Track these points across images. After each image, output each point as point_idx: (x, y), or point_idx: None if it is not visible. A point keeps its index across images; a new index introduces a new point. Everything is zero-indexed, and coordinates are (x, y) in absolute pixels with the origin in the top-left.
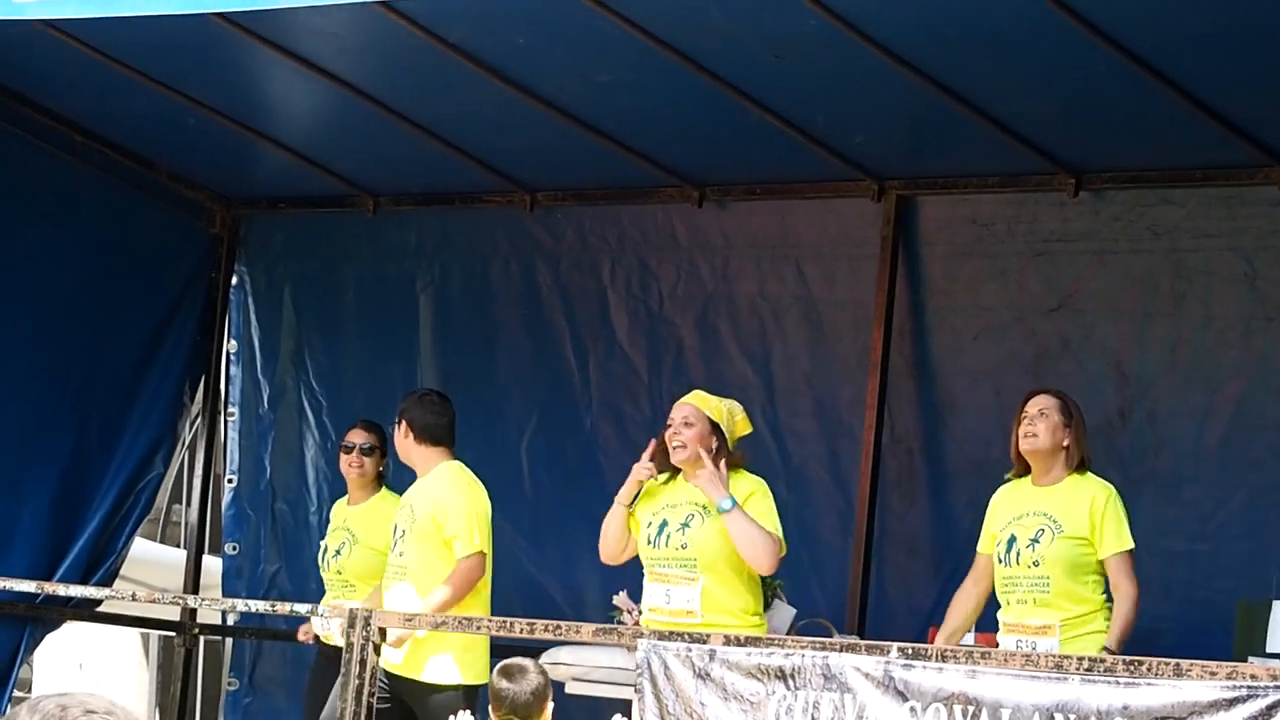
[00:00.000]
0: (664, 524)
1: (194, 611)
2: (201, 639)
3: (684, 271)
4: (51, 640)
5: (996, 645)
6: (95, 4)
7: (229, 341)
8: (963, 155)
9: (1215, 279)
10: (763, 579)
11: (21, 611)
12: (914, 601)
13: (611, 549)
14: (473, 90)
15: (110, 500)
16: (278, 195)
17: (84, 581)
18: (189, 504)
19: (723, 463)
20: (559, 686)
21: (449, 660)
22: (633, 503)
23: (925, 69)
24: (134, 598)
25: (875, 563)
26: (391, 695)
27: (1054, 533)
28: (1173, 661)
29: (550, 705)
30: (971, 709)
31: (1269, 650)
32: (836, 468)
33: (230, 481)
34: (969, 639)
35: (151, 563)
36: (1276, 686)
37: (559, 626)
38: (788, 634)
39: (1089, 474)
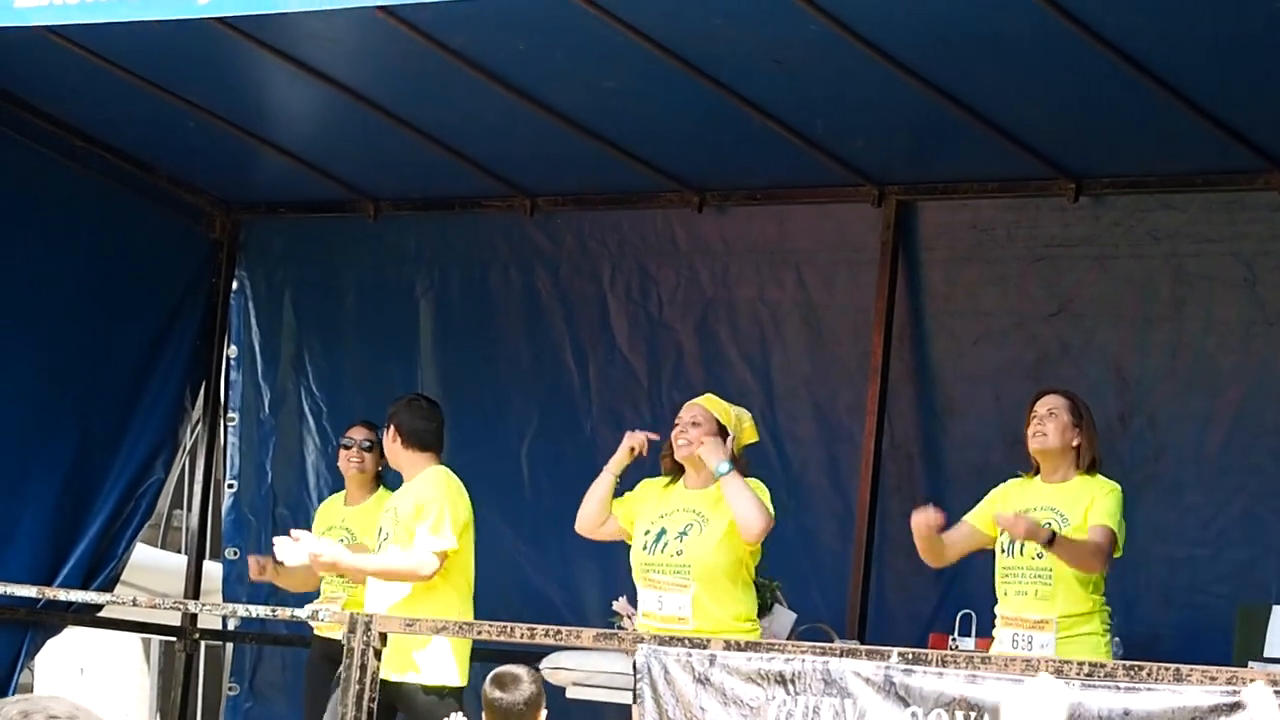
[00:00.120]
0: (662, 532)
1: (195, 617)
2: (202, 644)
3: (684, 277)
4: (52, 645)
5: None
6: (96, 10)
7: (229, 346)
8: (963, 160)
9: (1216, 284)
10: (762, 584)
11: (22, 616)
12: (914, 607)
13: (590, 517)
14: (473, 95)
15: (111, 506)
16: (278, 200)
17: (85, 587)
18: (190, 509)
19: (730, 439)
20: (560, 691)
21: (432, 660)
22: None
23: (925, 74)
24: (135, 603)
25: (875, 568)
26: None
27: (1060, 526)
28: (1173, 667)
29: (544, 713)
30: (973, 714)
31: (1269, 655)
32: (836, 473)
33: (231, 487)
34: (968, 644)
35: (152, 568)
36: (1276, 691)
37: (559, 632)
38: (788, 639)
39: (1098, 475)
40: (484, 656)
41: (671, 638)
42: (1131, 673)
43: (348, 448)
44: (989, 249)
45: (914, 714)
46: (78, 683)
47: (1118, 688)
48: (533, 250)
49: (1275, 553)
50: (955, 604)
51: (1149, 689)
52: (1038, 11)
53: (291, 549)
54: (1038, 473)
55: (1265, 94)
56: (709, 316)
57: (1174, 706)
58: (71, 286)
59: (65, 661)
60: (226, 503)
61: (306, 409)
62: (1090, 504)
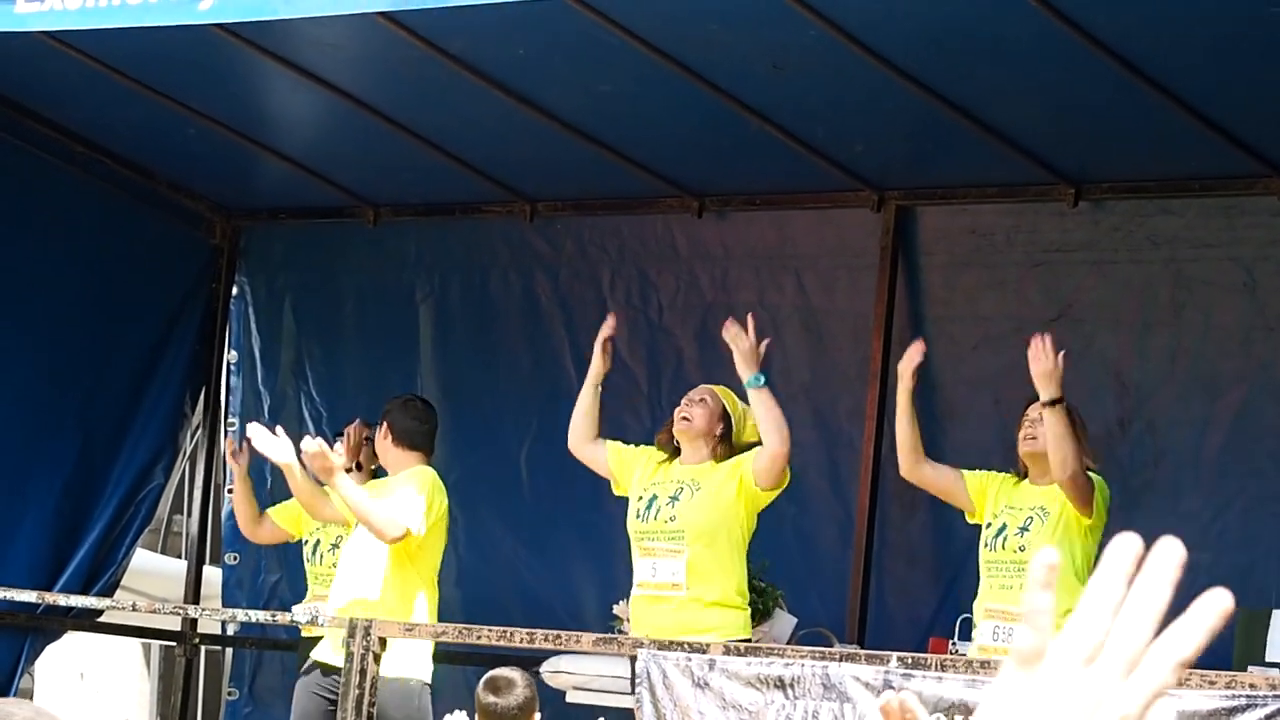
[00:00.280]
0: (653, 499)
1: (195, 622)
2: (202, 649)
3: (683, 282)
4: (52, 650)
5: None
6: (96, 15)
7: (229, 352)
8: (962, 165)
9: (1215, 289)
10: (763, 588)
11: (22, 622)
12: (914, 611)
13: (576, 429)
14: (473, 101)
15: (111, 511)
16: (278, 206)
17: (85, 592)
18: (190, 514)
19: (763, 342)
20: (560, 696)
21: (395, 653)
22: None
23: (924, 80)
24: (135, 608)
25: (875, 573)
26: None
27: (1042, 520)
28: None
29: (537, 717)
30: (972, 718)
31: (1268, 659)
32: (836, 478)
33: (231, 492)
34: (968, 648)
35: (152, 573)
36: (1276, 696)
37: (559, 636)
38: (788, 644)
39: (1089, 474)
40: (483, 661)
41: (671, 642)
42: None
43: (341, 438)
44: (988, 254)
45: None
46: (78, 688)
47: None
48: (532, 255)
49: (1275, 557)
50: (955, 608)
51: None
52: (1037, 16)
53: (271, 441)
54: (1025, 475)
55: (1264, 99)
56: (709, 322)
57: (1174, 711)
58: (72, 292)
59: (65, 667)
60: (226, 508)
61: (306, 414)
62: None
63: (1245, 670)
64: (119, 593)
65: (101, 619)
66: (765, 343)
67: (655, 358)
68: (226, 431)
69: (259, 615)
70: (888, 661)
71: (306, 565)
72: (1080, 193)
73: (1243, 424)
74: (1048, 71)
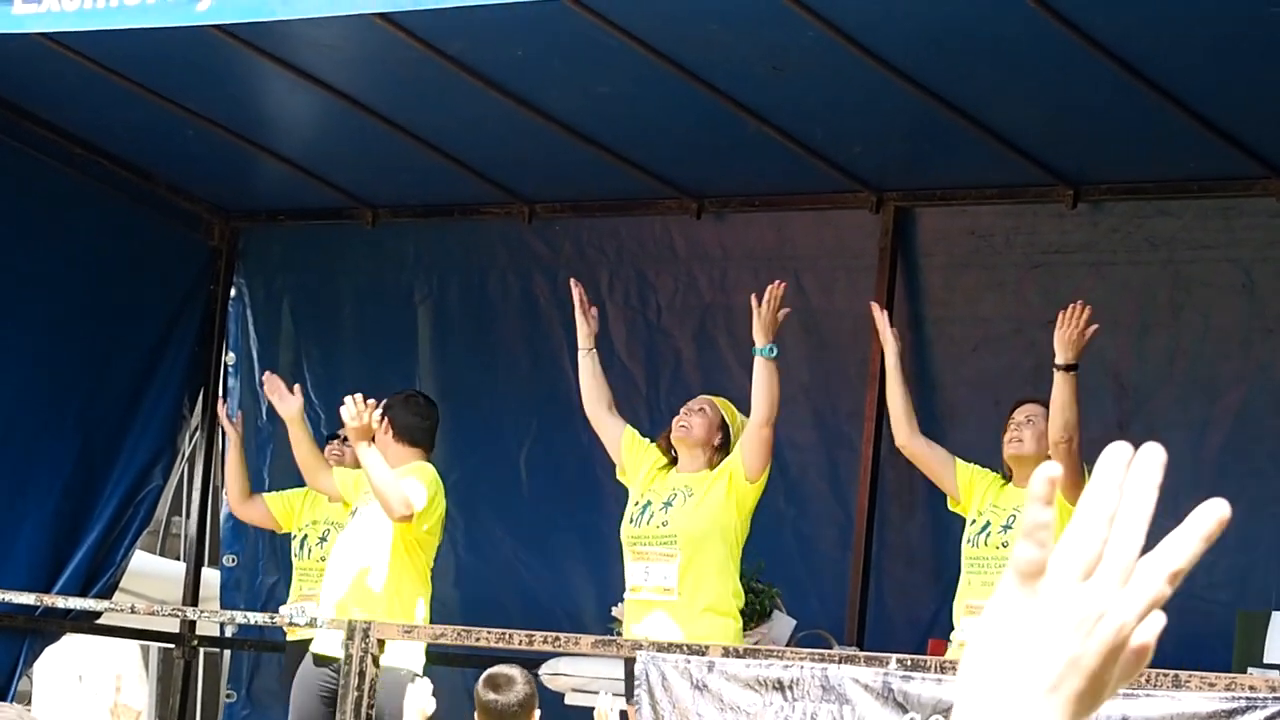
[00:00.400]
0: (648, 504)
1: (193, 624)
2: (201, 651)
3: (682, 283)
4: (51, 652)
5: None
6: (94, 17)
7: (227, 354)
8: (961, 167)
9: (1213, 290)
10: (761, 589)
11: (21, 624)
12: (913, 613)
13: (589, 395)
14: (471, 102)
15: (110, 513)
16: (276, 207)
17: (83, 594)
18: (188, 516)
19: (782, 311)
20: (559, 698)
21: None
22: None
23: (923, 81)
24: (133, 610)
25: (874, 574)
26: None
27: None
28: (1171, 672)
29: (537, 714)
30: None
31: (1268, 661)
32: (835, 479)
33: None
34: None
35: (151, 575)
36: (1275, 698)
37: (558, 638)
38: (786, 645)
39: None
40: (481, 662)
41: (670, 644)
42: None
43: (332, 439)
44: (987, 255)
45: None
46: (76, 690)
47: (1116, 693)
48: (531, 257)
49: (1275, 558)
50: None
51: (1147, 695)
52: (1036, 18)
53: (283, 391)
54: (1010, 479)
55: (1262, 100)
56: (707, 323)
57: (1173, 713)
58: (70, 294)
59: (64, 669)
60: (224, 510)
61: (304, 416)
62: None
63: (1245, 672)
64: (117, 595)
65: (100, 621)
66: (784, 312)
67: (654, 358)
68: (226, 396)
69: (257, 617)
70: (887, 663)
71: (294, 560)
72: (1079, 194)
73: (1242, 425)
74: (1046, 73)
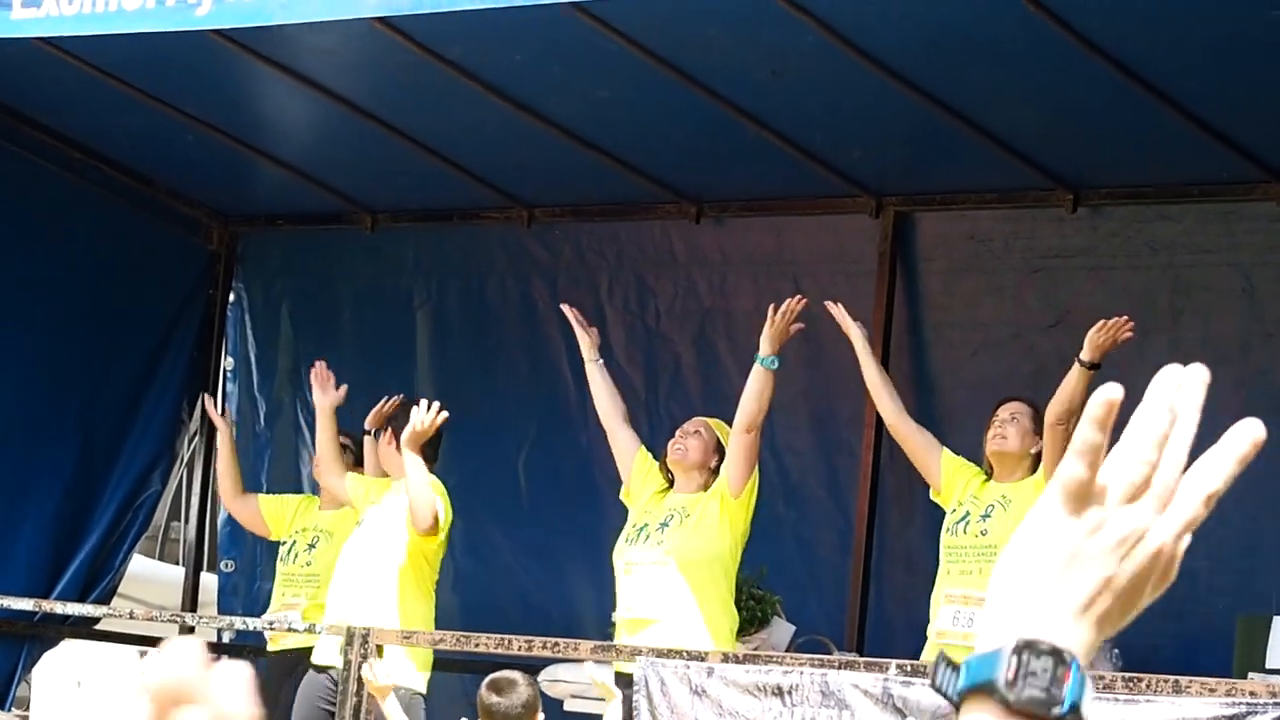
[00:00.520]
0: (644, 525)
1: (192, 629)
2: None
3: (681, 288)
4: (49, 658)
5: None
6: (93, 21)
7: (226, 358)
8: (961, 171)
9: (1213, 295)
10: (761, 595)
11: (19, 629)
12: (913, 618)
13: (603, 408)
14: (471, 106)
15: (108, 518)
16: (275, 212)
17: (82, 599)
18: (187, 521)
19: (795, 326)
20: (558, 704)
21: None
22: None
23: (923, 85)
24: (132, 615)
25: (874, 580)
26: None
27: (1004, 508)
28: (1172, 678)
29: (540, 717)
30: None
31: (1269, 666)
32: (835, 485)
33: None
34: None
35: (150, 580)
36: (1276, 703)
37: (557, 644)
38: (786, 651)
39: None
40: (480, 668)
41: (670, 650)
42: (1130, 684)
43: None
44: (987, 260)
45: None
46: (75, 695)
47: (1116, 699)
48: (530, 261)
49: (1275, 564)
50: None
51: (1148, 700)
52: (1035, 22)
53: (326, 384)
54: (991, 475)
55: (1262, 105)
56: (706, 328)
57: (1173, 718)
58: (69, 298)
59: (62, 674)
60: (223, 515)
61: (302, 421)
62: (1038, 491)
63: (1246, 677)
64: (116, 600)
65: (99, 626)
66: (797, 327)
67: (653, 363)
68: (225, 400)
69: (256, 623)
70: (887, 669)
71: (279, 565)
72: (1079, 199)
73: None
74: (1046, 77)
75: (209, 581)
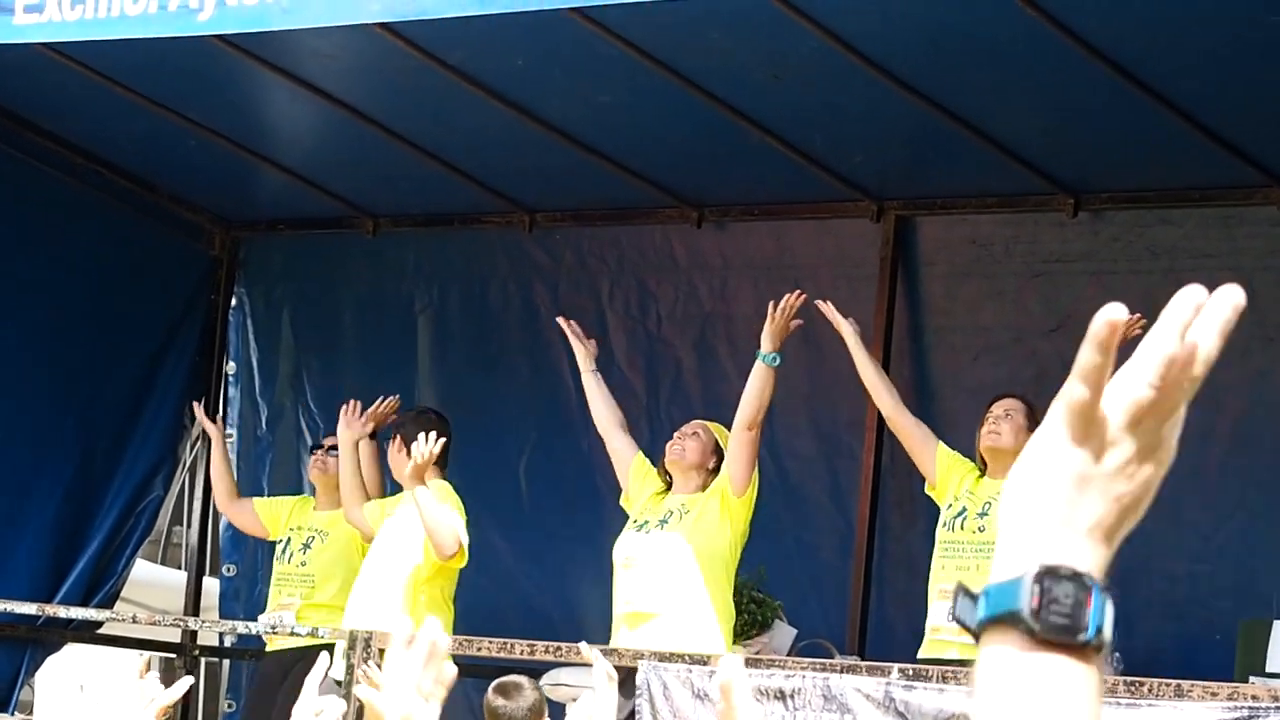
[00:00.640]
0: (644, 522)
1: (194, 633)
2: (202, 660)
3: (682, 292)
4: (52, 662)
5: None
6: (95, 27)
7: (228, 363)
8: (962, 176)
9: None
10: (763, 599)
11: (22, 633)
12: (914, 622)
13: (599, 416)
14: (472, 111)
15: (111, 522)
16: (277, 217)
17: (85, 603)
18: (189, 526)
19: (794, 323)
20: (560, 708)
21: None
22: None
23: (924, 90)
24: (135, 620)
25: (876, 583)
26: None
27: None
28: (1174, 682)
29: None
30: None
31: (1270, 670)
32: (836, 489)
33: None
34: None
35: (152, 584)
36: (1278, 707)
37: (559, 648)
38: (788, 655)
39: None
40: (483, 673)
41: (672, 654)
42: (1132, 689)
43: (320, 448)
44: (988, 264)
45: None
46: (77, 700)
47: (1118, 703)
48: (531, 266)
49: (1276, 568)
50: None
51: (1150, 705)
52: (1036, 26)
53: (353, 423)
54: (984, 471)
55: (1263, 109)
56: (708, 332)
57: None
58: (71, 303)
59: (65, 678)
60: (224, 519)
61: (304, 426)
62: None
63: (1247, 681)
64: (119, 604)
65: (101, 630)
66: (796, 323)
67: (654, 368)
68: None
69: (259, 627)
70: (889, 673)
71: (275, 564)
72: (1080, 203)
73: (1243, 435)
74: (1047, 81)
75: (211, 586)
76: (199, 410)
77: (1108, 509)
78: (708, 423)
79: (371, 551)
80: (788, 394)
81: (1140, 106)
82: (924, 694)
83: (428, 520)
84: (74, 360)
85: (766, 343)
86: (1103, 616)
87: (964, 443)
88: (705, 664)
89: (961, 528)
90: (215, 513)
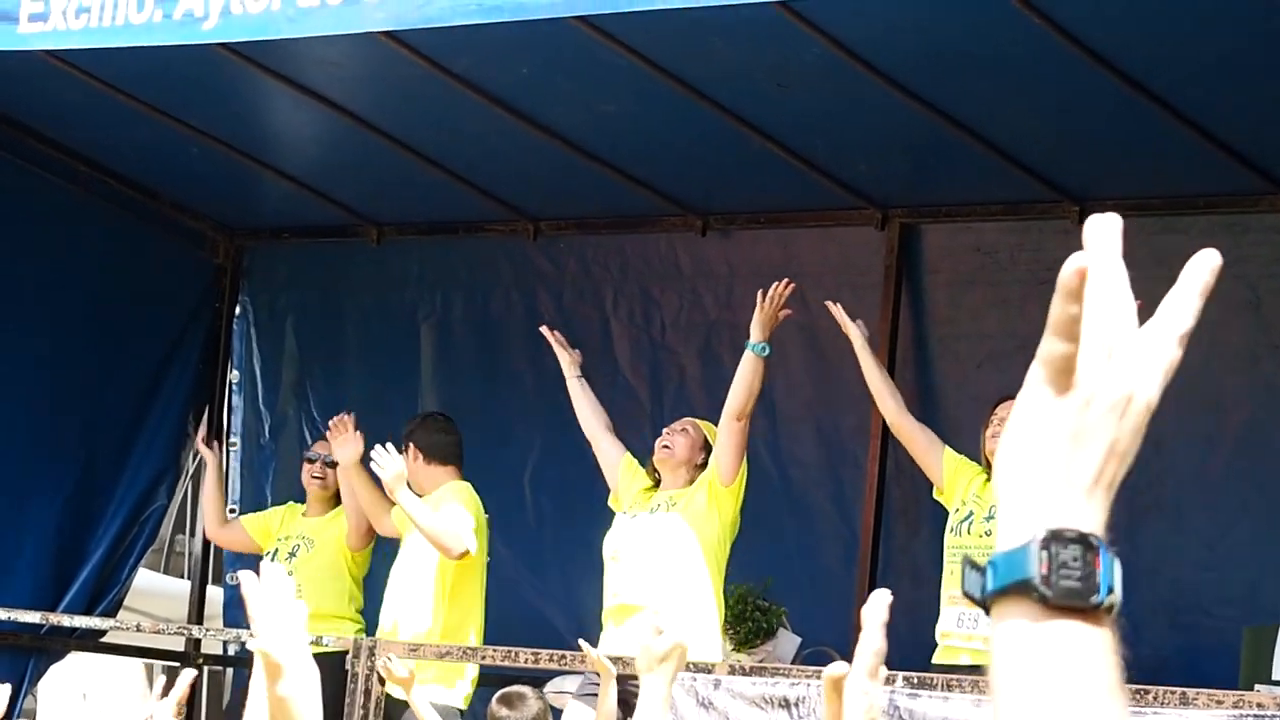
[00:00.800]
0: (633, 516)
1: (198, 642)
2: (205, 669)
3: (687, 300)
4: (56, 671)
5: None
6: (99, 35)
7: (232, 372)
8: (966, 183)
9: (1220, 306)
10: (767, 607)
11: (26, 642)
12: (919, 630)
13: (584, 419)
14: (476, 119)
15: (114, 531)
16: (281, 225)
17: (88, 612)
18: (193, 534)
19: (783, 313)
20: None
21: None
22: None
23: (928, 97)
24: (138, 628)
25: None
26: None
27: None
28: (1179, 690)
29: None
30: None
31: (1275, 678)
32: (840, 497)
33: (232, 511)
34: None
35: (156, 593)
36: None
37: (564, 656)
38: (792, 663)
39: None
40: (487, 681)
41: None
42: (1137, 696)
43: (311, 462)
44: (992, 272)
45: None
46: (81, 708)
47: None
48: (535, 274)
49: None
50: None
51: (1155, 713)
52: (1040, 33)
53: (347, 441)
54: (990, 476)
55: (1268, 116)
56: (712, 340)
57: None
58: (74, 312)
59: (68, 687)
60: None
61: (307, 434)
62: None
63: (1252, 689)
64: (122, 613)
65: (105, 639)
66: (785, 313)
67: (658, 376)
68: (228, 452)
69: None
70: (893, 681)
71: None
72: (1084, 210)
73: (1248, 442)
74: (1051, 89)
75: (215, 594)
76: (200, 433)
77: (1106, 458)
78: (699, 420)
79: (399, 555)
80: (792, 401)
81: (1145, 113)
82: (929, 702)
83: (420, 526)
84: (77, 368)
85: (756, 332)
86: (1112, 575)
87: (969, 451)
88: (710, 672)
89: (969, 532)
90: None
